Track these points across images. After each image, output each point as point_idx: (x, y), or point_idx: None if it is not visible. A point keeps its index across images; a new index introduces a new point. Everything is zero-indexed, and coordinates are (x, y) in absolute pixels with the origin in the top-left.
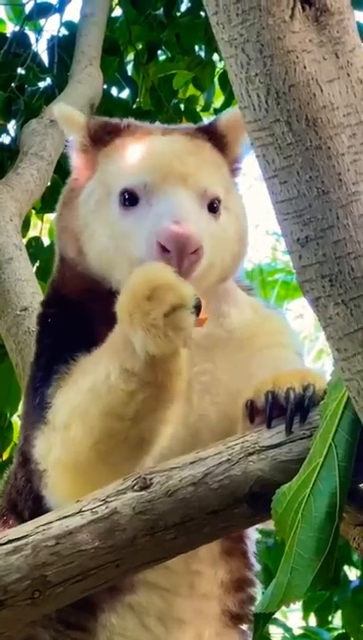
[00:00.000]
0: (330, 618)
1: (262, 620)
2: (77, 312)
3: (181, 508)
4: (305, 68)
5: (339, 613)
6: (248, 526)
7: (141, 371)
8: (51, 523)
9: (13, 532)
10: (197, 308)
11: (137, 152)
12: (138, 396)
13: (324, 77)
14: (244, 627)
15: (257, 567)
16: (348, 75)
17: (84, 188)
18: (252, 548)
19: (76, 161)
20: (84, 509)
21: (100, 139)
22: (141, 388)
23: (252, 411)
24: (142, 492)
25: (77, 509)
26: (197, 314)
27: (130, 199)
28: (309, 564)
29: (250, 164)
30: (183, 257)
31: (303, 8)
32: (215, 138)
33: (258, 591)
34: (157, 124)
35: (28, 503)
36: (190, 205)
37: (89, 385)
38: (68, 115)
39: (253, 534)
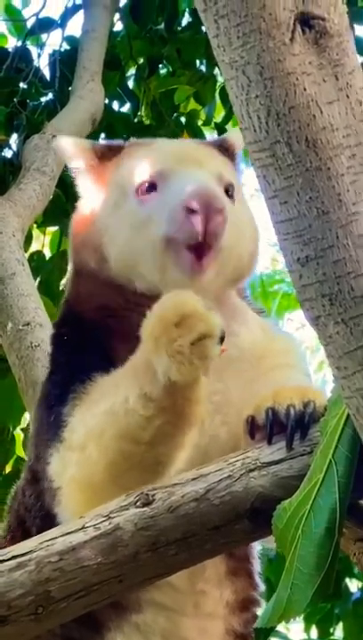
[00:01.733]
0: (332, 630)
1: (263, 634)
2: (93, 330)
3: (182, 524)
4: (305, 89)
5: (340, 625)
6: (249, 542)
7: (159, 396)
8: (54, 539)
9: (17, 548)
10: (222, 339)
11: (147, 152)
12: (155, 422)
13: (324, 99)
14: None
15: (262, 587)
16: (347, 96)
17: (99, 200)
18: (257, 567)
19: (86, 183)
20: (87, 525)
21: (107, 155)
22: (158, 413)
23: (252, 427)
24: (145, 509)
25: (81, 525)
26: (221, 343)
27: (148, 188)
28: (309, 579)
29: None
30: (211, 214)
31: (303, 31)
32: (222, 148)
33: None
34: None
35: (37, 521)
36: (210, 180)
37: (107, 407)
38: (72, 143)
39: (256, 554)
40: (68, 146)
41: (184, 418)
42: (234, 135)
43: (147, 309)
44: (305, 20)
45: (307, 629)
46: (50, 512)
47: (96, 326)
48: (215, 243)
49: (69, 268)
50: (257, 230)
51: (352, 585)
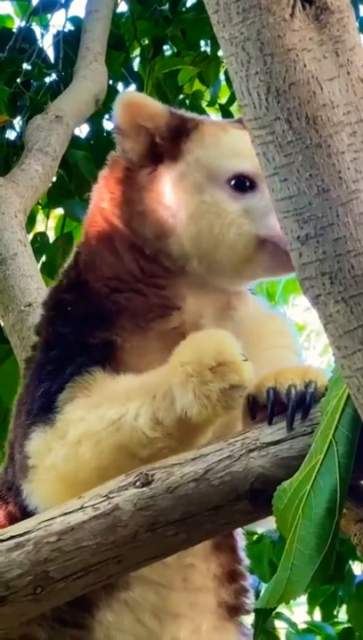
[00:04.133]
0: (335, 612)
1: (263, 615)
2: (99, 303)
3: (181, 505)
4: (305, 66)
5: (344, 608)
6: (249, 522)
7: (170, 425)
8: (53, 519)
9: (15, 528)
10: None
11: (238, 140)
12: (158, 444)
13: (324, 76)
14: (240, 619)
15: (247, 561)
16: (348, 73)
17: (168, 173)
18: (241, 543)
19: (142, 150)
20: (86, 505)
21: (180, 128)
22: (164, 437)
23: (253, 407)
24: (144, 489)
25: (79, 505)
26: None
27: (244, 184)
28: (309, 560)
29: None
30: None
31: (304, 6)
32: None
33: (250, 583)
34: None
35: (18, 499)
36: None
37: (114, 417)
38: (144, 103)
39: (240, 530)
40: (136, 105)
41: (185, 447)
42: None
43: (161, 291)
44: None
45: (310, 612)
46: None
47: (103, 299)
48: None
49: (86, 229)
50: None
51: (356, 567)
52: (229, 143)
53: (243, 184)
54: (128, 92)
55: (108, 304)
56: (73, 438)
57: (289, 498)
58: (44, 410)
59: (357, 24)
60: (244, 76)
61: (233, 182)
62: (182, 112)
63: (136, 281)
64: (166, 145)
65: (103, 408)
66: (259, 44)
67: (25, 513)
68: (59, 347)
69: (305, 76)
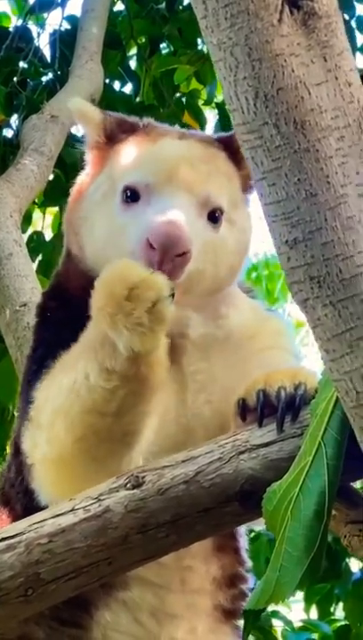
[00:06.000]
0: (332, 610)
1: (252, 616)
2: (77, 309)
3: (172, 507)
4: (293, 71)
5: (341, 605)
6: (239, 524)
7: (122, 368)
8: (44, 521)
9: (6, 530)
10: (173, 295)
11: (147, 151)
12: (119, 393)
13: (312, 80)
14: (236, 622)
15: (249, 563)
16: (336, 78)
17: (92, 183)
18: (243, 544)
19: (89, 157)
20: (76, 507)
21: (115, 136)
22: (121, 384)
23: (244, 409)
24: (135, 491)
25: (70, 507)
26: (173, 297)
27: (131, 196)
28: (297, 561)
29: None
30: (167, 257)
31: (291, 12)
32: (232, 150)
33: (250, 587)
34: (176, 127)
35: (20, 496)
36: (188, 210)
37: (70, 384)
38: (84, 110)
39: (243, 531)
40: (79, 113)
41: (147, 384)
42: None
43: None
44: (293, 1)
45: (307, 609)
46: (29, 486)
47: (81, 306)
48: (175, 277)
49: (64, 241)
50: (247, 242)
51: (353, 565)
52: (139, 154)
53: (130, 196)
54: (75, 100)
55: (86, 309)
56: (46, 421)
57: (278, 499)
58: (27, 408)
59: (354, 23)
60: (232, 80)
61: (124, 194)
62: (124, 118)
63: None
64: (100, 154)
65: (57, 380)
66: (247, 50)
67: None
68: (41, 349)
69: (293, 80)
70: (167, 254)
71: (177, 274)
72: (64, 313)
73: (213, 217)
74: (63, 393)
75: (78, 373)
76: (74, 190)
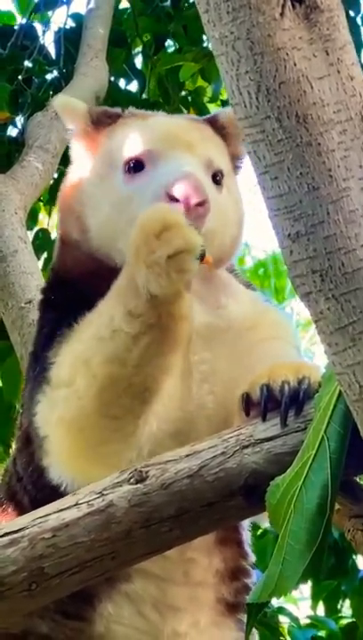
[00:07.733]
0: (339, 606)
1: (255, 609)
2: (81, 293)
3: (176, 501)
4: (295, 65)
5: (348, 602)
6: (243, 518)
7: (143, 311)
8: (48, 515)
9: (10, 524)
10: (202, 257)
11: (142, 125)
12: (142, 340)
13: (314, 74)
14: (240, 616)
15: (252, 557)
16: (338, 72)
17: (88, 168)
18: (247, 537)
19: (78, 147)
20: (80, 502)
21: (102, 122)
22: (144, 330)
23: (247, 404)
24: (138, 485)
25: (74, 502)
26: (201, 261)
27: (135, 166)
28: (300, 555)
29: None
30: (191, 206)
31: (293, 6)
32: (216, 127)
33: (253, 580)
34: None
35: (29, 488)
36: (197, 168)
37: (93, 331)
38: (69, 104)
39: (246, 524)
40: (63, 107)
41: (170, 335)
42: (229, 112)
43: None
44: None
45: (314, 606)
46: (41, 475)
47: (85, 290)
48: (198, 228)
49: (57, 234)
50: (243, 215)
51: (360, 562)
52: (132, 132)
53: (134, 167)
54: (57, 97)
55: (88, 290)
56: (65, 377)
57: (281, 493)
58: (41, 379)
59: (359, 20)
60: (234, 75)
61: (126, 166)
62: (108, 108)
63: (106, 277)
64: (90, 141)
65: (82, 331)
66: (249, 44)
67: (54, 492)
68: (47, 329)
69: (295, 74)
70: (191, 202)
71: (200, 225)
72: (67, 298)
73: (216, 179)
74: (85, 341)
75: (103, 318)
76: (66, 182)
